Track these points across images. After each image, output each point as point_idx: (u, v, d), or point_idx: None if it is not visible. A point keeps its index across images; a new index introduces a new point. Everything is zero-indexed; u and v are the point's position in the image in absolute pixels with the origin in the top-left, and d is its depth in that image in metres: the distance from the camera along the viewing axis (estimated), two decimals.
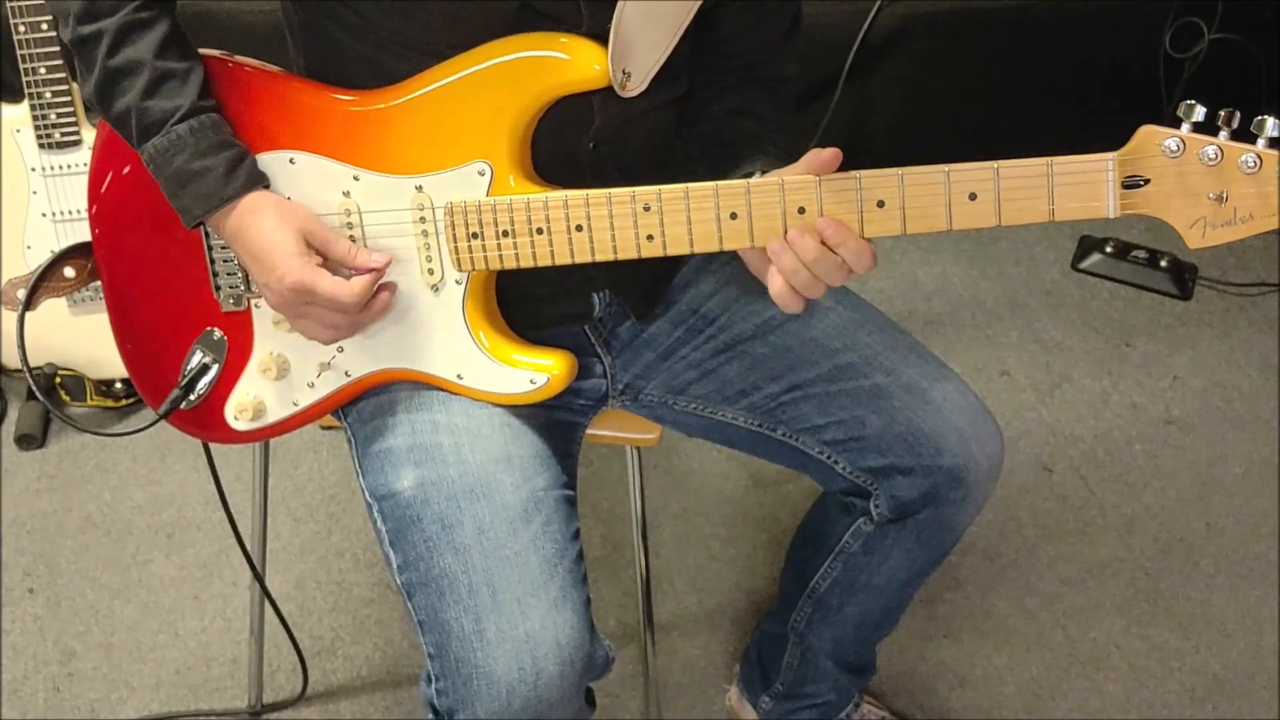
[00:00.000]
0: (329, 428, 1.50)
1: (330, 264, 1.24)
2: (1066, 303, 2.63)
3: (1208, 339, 2.54)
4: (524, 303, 1.34)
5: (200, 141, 1.22)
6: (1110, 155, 1.12)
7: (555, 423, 1.39)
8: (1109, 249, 2.69)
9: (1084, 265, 2.70)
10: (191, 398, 1.36)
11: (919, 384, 1.38)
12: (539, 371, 1.29)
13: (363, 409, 1.36)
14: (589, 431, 1.49)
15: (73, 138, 2.14)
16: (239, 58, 1.30)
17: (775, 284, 1.19)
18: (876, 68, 2.67)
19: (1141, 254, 2.66)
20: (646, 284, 1.43)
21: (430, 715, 1.28)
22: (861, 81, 2.65)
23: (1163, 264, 2.65)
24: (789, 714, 1.74)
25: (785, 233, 1.18)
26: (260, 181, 1.25)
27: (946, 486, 1.38)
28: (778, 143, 1.35)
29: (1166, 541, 2.14)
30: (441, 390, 1.32)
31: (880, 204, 1.16)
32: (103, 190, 1.35)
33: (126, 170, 1.32)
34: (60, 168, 2.16)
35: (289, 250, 1.20)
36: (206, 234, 1.32)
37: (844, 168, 1.17)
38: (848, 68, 2.60)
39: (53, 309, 2.15)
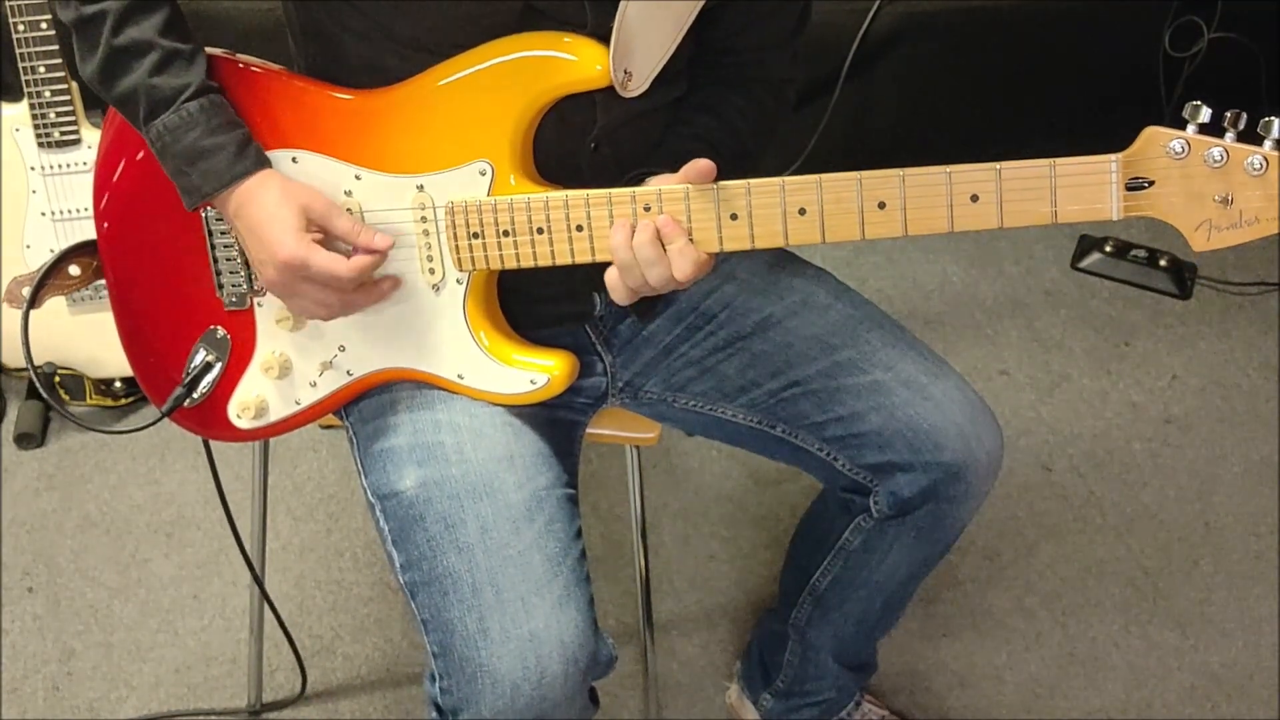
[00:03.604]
0: (329, 427, 1.50)
1: (332, 241, 1.24)
2: (1066, 302, 2.63)
3: (1207, 338, 2.54)
4: (525, 302, 1.34)
5: (212, 119, 1.22)
6: (1114, 157, 1.11)
7: (556, 421, 1.39)
8: (1108, 248, 2.69)
9: (1083, 264, 2.70)
10: (194, 395, 1.36)
11: (918, 380, 1.38)
12: (540, 372, 1.29)
13: (364, 408, 1.36)
14: (589, 430, 1.49)
15: (72, 137, 2.14)
16: (241, 55, 1.30)
17: (610, 271, 1.21)
18: (876, 67, 2.67)
19: (1141, 253, 2.67)
20: None
21: (434, 714, 1.28)
22: (861, 81, 2.65)
23: (1162, 263, 2.65)
24: (790, 712, 1.74)
25: (786, 237, 1.18)
26: (267, 162, 1.25)
27: (946, 483, 1.38)
28: (723, 145, 1.34)
29: (1166, 541, 2.14)
30: (443, 389, 1.32)
31: (881, 205, 1.15)
32: (108, 188, 1.35)
33: (132, 168, 1.32)
34: (60, 166, 2.16)
35: (288, 226, 1.21)
36: (209, 232, 1.32)
37: (843, 168, 1.17)
38: (847, 67, 2.60)
39: (52, 308, 2.15)
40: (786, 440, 1.44)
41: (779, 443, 1.45)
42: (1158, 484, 2.23)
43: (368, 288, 1.26)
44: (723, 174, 1.19)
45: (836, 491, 1.50)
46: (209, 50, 1.28)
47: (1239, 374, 2.46)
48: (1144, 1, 2.70)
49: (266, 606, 1.74)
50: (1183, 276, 2.65)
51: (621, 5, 1.17)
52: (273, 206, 1.22)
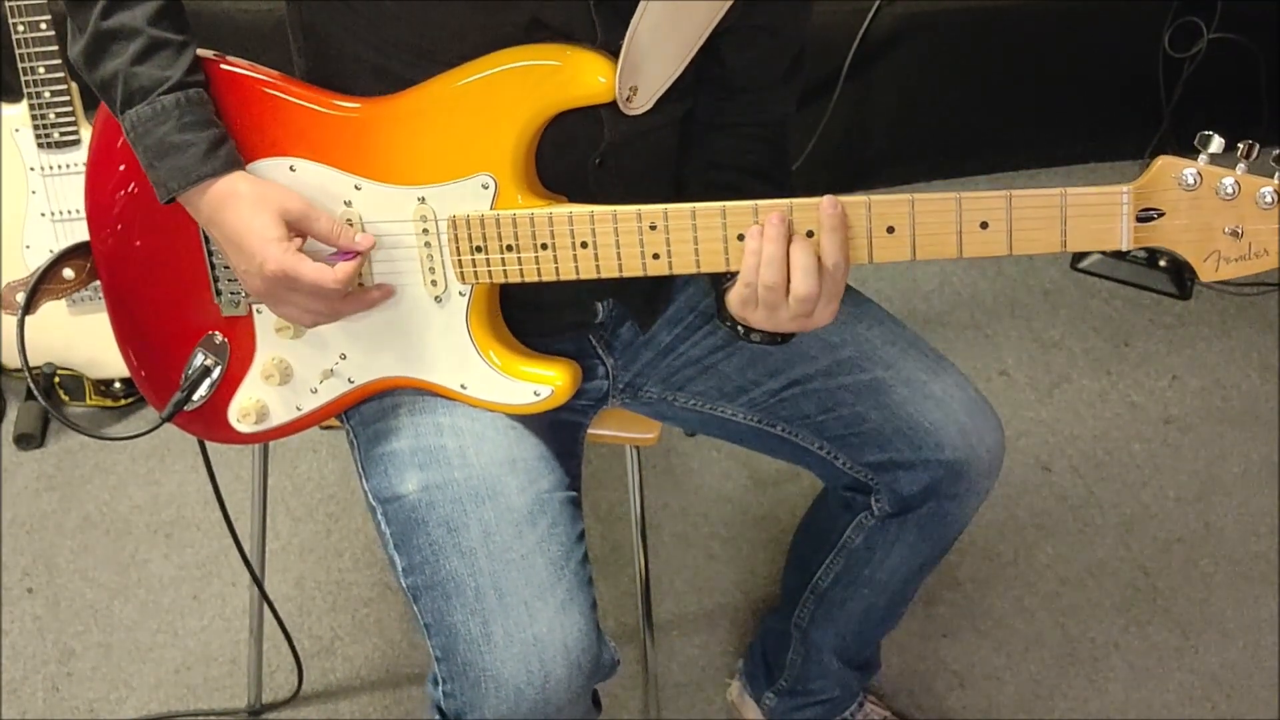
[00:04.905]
0: (329, 427, 1.50)
1: (314, 243, 1.22)
2: (1066, 302, 2.63)
3: (1207, 339, 2.54)
4: (527, 309, 1.33)
5: (185, 115, 1.19)
6: (1125, 187, 1.10)
7: (558, 423, 1.39)
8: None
9: (1083, 265, 2.70)
10: (194, 400, 1.35)
11: (919, 378, 1.38)
12: (543, 384, 1.29)
13: (365, 411, 1.35)
14: (589, 431, 1.49)
15: (71, 137, 2.14)
16: (232, 59, 1.27)
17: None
18: (876, 67, 2.67)
19: (1140, 253, 2.67)
20: (650, 292, 1.43)
21: (438, 717, 1.28)
22: (861, 81, 2.65)
23: (1162, 264, 2.65)
24: (793, 711, 1.74)
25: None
26: (238, 165, 1.22)
27: (947, 481, 1.39)
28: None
29: (1166, 541, 2.14)
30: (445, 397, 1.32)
31: (890, 230, 1.15)
32: (100, 190, 1.34)
33: (124, 169, 1.31)
34: (59, 167, 2.16)
35: (268, 236, 1.18)
36: (206, 238, 1.31)
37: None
38: (847, 67, 2.60)
39: (52, 309, 2.14)
40: (787, 439, 1.44)
41: (780, 441, 1.45)
42: (1158, 484, 2.24)
43: (355, 296, 1.25)
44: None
45: (838, 490, 1.50)
46: (200, 52, 1.25)
47: (1239, 374, 2.46)
48: (1144, 1, 2.70)
49: (266, 607, 1.74)
50: (1182, 277, 2.65)
51: (633, 20, 1.16)
52: (248, 216, 1.19)
